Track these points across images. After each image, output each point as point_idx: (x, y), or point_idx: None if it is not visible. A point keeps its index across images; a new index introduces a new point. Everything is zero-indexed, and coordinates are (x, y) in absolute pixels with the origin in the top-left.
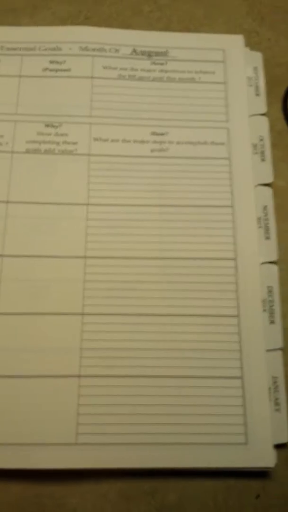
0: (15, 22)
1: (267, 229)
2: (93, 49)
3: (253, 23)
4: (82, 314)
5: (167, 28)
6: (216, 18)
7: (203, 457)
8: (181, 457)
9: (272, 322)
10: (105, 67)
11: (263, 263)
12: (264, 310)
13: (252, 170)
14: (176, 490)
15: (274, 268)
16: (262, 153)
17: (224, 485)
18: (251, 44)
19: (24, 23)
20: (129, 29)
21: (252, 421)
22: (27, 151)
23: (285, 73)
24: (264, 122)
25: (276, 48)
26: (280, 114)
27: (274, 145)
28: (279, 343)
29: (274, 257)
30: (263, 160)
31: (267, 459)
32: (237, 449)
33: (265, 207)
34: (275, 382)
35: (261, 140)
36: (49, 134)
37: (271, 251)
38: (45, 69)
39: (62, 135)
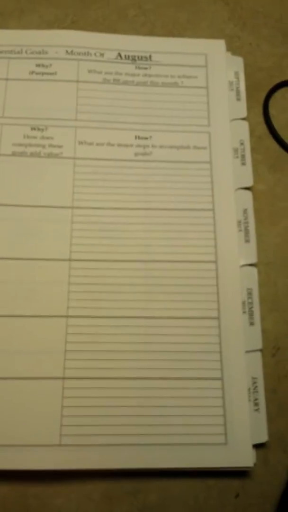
0: (2, 25)
1: (247, 232)
2: (79, 53)
3: (235, 28)
4: (67, 316)
5: (151, 32)
6: (198, 23)
7: (183, 458)
8: (162, 458)
9: (251, 323)
10: (90, 71)
11: (243, 265)
12: (244, 312)
13: (233, 174)
14: (158, 490)
15: (254, 271)
16: (243, 157)
17: (205, 485)
18: (233, 49)
19: (12, 27)
20: (114, 33)
21: (231, 422)
22: (13, 154)
23: (266, 78)
24: (245, 126)
25: (257, 53)
26: (260, 119)
27: (254, 149)
28: (259, 345)
29: (253, 260)
30: (243, 164)
31: (246, 459)
32: (217, 449)
33: (245, 211)
34: (254, 383)
35: (242, 144)
36: (35, 137)
37: (251, 254)
38: (32, 72)
39: (47, 138)
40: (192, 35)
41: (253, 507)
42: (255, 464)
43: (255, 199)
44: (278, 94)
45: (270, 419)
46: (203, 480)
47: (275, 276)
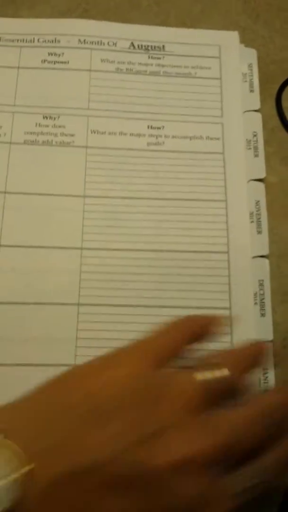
0: (15, 14)
1: (259, 224)
2: (91, 42)
3: (248, 20)
4: (78, 304)
5: (164, 23)
6: (212, 14)
7: None
8: None
9: (262, 315)
10: (103, 60)
11: (254, 257)
12: (255, 303)
13: (245, 165)
14: None
15: (266, 262)
16: (256, 148)
17: None
18: (246, 41)
19: (24, 16)
20: (127, 23)
21: None
22: (25, 142)
23: (279, 70)
24: (258, 118)
25: (270, 45)
26: (273, 111)
27: (267, 142)
28: (269, 336)
29: (265, 251)
30: (256, 155)
31: None
32: None
33: (257, 202)
34: (265, 374)
35: (255, 136)
36: (47, 126)
37: (263, 245)
38: (44, 61)
39: (59, 127)
40: (205, 27)
41: None
42: None
43: (267, 191)
44: None
45: None
46: None
47: (287, 268)
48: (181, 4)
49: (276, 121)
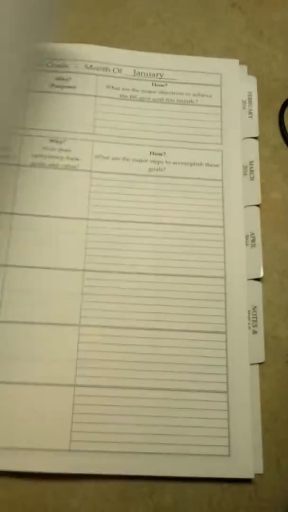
0: None
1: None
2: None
3: (252, 38)
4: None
5: (169, 40)
6: (216, 31)
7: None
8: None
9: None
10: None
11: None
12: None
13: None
14: (173, 492)
15: (259, 285)
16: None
17: (219, 488)
18: (249, 58)
19: None
20: (132, 40)
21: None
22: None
23: (282, 89)
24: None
25: (273, 63)
26: (276, 129)
27: (270, 159)
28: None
29: (259, 274)
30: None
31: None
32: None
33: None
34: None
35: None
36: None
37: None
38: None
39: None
40: (209, 44)
41: (265, 510)
42: (265, 469)
43: (270, 208)
44: None
45: (284, 426)
46: (217, 483)
47: None
48: (185, 22)
49: (278, 138)
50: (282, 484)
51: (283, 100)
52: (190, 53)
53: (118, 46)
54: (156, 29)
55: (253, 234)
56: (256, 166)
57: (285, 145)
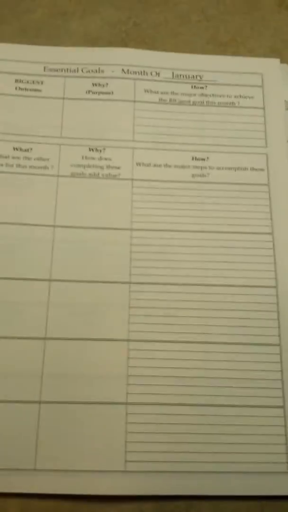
0: (64, 25)
1: None
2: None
3: None
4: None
5: (213, 38)
6: (262, 31)
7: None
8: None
9: None
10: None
11: None
12: None
13: None
14: (211, 507)
15: None
16: None
17: (259, 504)
18: None
19: (73, 27)
20: (175, 38)
21: None
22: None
23: None
24: None
25: None
26: None
27: None
28: None
29: None
30: None
31: None
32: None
33: None
34: None
35: None
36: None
37: None
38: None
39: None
40: (255, 44)
41: None
42: None
43: None
44: None
45: None
46: (257, 501)
47: None
48: (230, 20)
49: None
50: None
51: None
52: (235, 52)
53: (161, 44)
54: (201, 27)
55: None
56: None
57: None
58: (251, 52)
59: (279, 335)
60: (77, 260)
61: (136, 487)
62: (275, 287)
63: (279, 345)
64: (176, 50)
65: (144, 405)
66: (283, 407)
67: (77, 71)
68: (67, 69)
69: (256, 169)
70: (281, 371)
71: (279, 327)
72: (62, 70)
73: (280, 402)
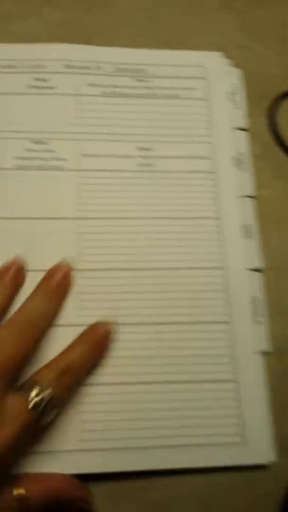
0: (7, 27)
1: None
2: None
3: (244, 37)
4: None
5: (157, 37)
6: (207, 31)
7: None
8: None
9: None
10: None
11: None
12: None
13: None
14: (165, 487)
15: (259, 275)
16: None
17: (214, 478)
18: (242, 57)
19: (15, 29)
20: (120, 37)
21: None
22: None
23: (273, 87)
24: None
25: (265, 62)
26: (266, 126)
27: (260, 157)
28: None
29: (259, 264)
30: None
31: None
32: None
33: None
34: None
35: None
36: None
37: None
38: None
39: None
40: (202, 43)
41: (266, 500)
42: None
43: (261, 205)
44: (285, 102)
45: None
46: (212, 475)
47: (282, 281)
48: (178, 20)
49: (268, 136)
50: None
51: (274, 98)
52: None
53: (106, 45)
54: (145, 27)
55: (248, 225)
56: (247, 155)
57: (274, 143)
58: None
59: (228, 313)
60: (23, 251)
61: (94, 464)
62: (223, 268)
63: (227, 322)
64: None
65: (98, 386)
66: (233, 381)
67: (18, 66)
68: (8, 65)
69: (200, 157)
70: (230, 346)
71: (227, 306)
72: (3, 67)
73: (230, 376)
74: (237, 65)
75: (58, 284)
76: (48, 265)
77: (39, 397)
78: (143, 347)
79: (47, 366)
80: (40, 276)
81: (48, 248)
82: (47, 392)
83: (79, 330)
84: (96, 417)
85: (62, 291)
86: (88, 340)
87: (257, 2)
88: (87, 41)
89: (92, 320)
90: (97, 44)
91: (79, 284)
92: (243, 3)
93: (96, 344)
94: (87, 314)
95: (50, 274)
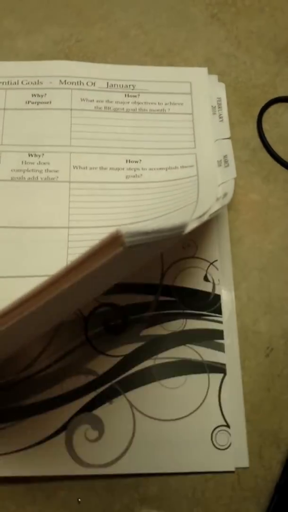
0: (11, 45)
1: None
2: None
3: (231, 47)
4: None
5: (150, 50)
6: (196, 42)
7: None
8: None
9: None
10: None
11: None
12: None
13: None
14: (158, 483)
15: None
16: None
17: (203, 478)
18: (229, 67)
19: (19, 46)
20: (116, 51)
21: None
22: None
23: (260, 95)
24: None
25: (252, 71)
26: (254, 133)
27: (248, 162)
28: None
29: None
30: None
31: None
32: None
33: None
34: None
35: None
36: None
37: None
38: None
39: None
40: (189, 54)
41: (248, 500)
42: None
43: (249, 209)
44: (271, 109)
45: (266, 417)
46: (201, 474)
47: (268, 281)
48: (167, 33)
49: (257, 142)
50: (264, 474)
51: (261, 105)
52: (171, 63)
53: (102, 59)
54: (139, 40)
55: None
56: (231, 158)
57: (263, 149)
58: (186, 62)
59: None
60: (15, 258)
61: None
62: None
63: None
64: (115, 63)
65: None
66: None
67: (17, 83)
68: (8, 82)
69: (186, 167)
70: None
71: None
72: (3, 83)
73: None
74: (225, 74)
75: None
76: (40, 272)
77: None
78: None
79: None
80: (32, 282)
81: (41, 255)
82: None
83: None
84: None
85: None
86: None
87: (243, 13)
88: (86, 57)
89: None
90: (96, 59)
91: None
92: (229, 14)
93: None
94: None
95: None
